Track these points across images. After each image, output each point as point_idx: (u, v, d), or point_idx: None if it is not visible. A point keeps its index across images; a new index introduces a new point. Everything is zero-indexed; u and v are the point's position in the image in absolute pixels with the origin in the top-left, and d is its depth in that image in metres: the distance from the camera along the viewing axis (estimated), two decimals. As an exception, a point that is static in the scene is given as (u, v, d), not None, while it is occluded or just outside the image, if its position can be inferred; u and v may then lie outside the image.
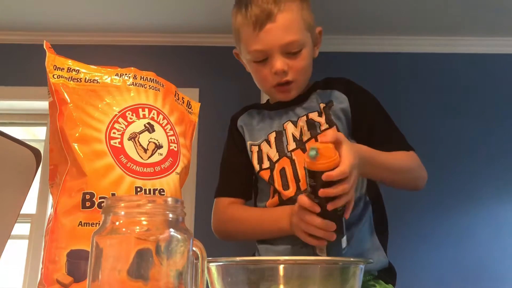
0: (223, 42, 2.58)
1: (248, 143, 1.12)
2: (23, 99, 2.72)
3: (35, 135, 3.01)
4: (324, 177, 0.77)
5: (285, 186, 1.04)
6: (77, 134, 0.65)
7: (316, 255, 0.87)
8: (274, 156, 1.07)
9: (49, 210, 0.66)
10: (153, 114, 0.72)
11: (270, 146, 1.09)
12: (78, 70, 0.70)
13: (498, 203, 2.57)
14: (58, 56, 0.70)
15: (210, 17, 2.55)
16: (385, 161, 0.97)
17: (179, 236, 0.46)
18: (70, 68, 0.70)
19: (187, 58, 2.77)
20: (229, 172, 1.17)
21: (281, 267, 0.57)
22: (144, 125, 0.70)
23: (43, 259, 0.62)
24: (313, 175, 0.79)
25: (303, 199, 0.83)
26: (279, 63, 1.02)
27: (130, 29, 2.73)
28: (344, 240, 0.86)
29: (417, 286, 2.34)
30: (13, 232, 0.57)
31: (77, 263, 0.60)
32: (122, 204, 0.46)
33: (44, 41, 0.72)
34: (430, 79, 2.74)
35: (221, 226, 1.11)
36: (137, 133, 0.69)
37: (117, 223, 0.46)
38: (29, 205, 2.56)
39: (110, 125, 0.68)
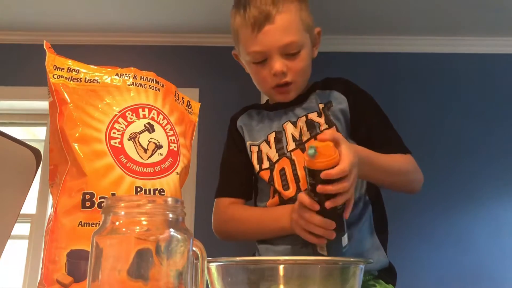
0: (223, 42, 2.58)
1: (248, 143, 1.13)
2: (23, 99, 2.72)
3: (35, 135, 3.01)
4: (323, 175, 0.77)
5: (285, 186, 1.04)
6: (77, 134, 0.65)
7: (317, 253, 0.87)
8: (274, 156, 1.07)
9: (49, 210, 0.66)
10: (153, 114, 0.72)
11: (269, 146, 1.09)
12: (78, 70, 0.70)
13: (498, 203, 2.57)
14: (58, 56, 0.70)
15: (210, 17, 2.55)
16: (383, 163, 0.97)
17: (179, 236, 0.46)
18: (70, 68, 0.70)
19: (187, 58, 2.77)
20: (229, 172, 1.17)
21: (281, 267, 0.57)
22: (144, 125, 0.70)
23: (43, 259, 0.62)
24: (313, 173, 0.79)
25: (303, 196, 0.83)
26: (278, 64, 1.02)
27: (130, 29, 2.73)
28: (344, 238, 0.86)
29: (417, 286, 2.34)
30: (13, 232, 0.57)
31: (77, 263, 0.60)
32: (122, 204, 0.46)
33: (44, 41, 0.72)
34: (430, 79, 2.74)
35: (221, 226, 1.11)
36: (137, 133, 0.69)
37: (117, 223, 0.46)
38: (29, 205, 2.56)
39: (110, 125, 0.68)
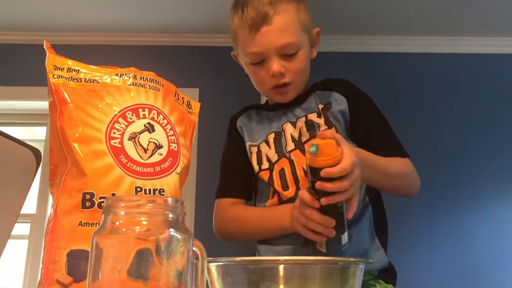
0: (223, 42, 2.58)
1: (248, 144, 1.13)
2: (23, 99, 2.72)
3: (35, 135, 3.01)
4: (323, 173, 0.76)
5: (285, 186, 1.04)
6: (77, 134, 0.65)
7: (316, 250, 0.87)
8: (273, 156, 1.07)
9: (49, 210, 0.66)
10: (153, 114, 0.72)
11: (269, 147, 1.09)
12: (78, 70, 0.70)
13: (498, 203, 2.57)
14: (58, 56, 0.70)
15: (210, 17, 2.55)
16: (384, 166, 0.97)
17: (179, 236, 0.46)
18: (70, 68, 0.70)
19: (187, 58, 2.77)
20: (229, 172, 1.17)
21: (281, 267, 0.57)
22: (144, 125, 0.70)
23: (43, 259, 0.62)
24: (314, 171, 0.78)
25: (304, 193, 0.83)
26: (275, 65, 1.02)
27: (130, 29, 2.73)
28: (344, 236, 0.85)
29: (417, 286, 2.34)
30: (13, 232, 0.57)
31: (77, 263, 0.60)
32: (122, 204, 0.46)
33: (44, 41, 0.72)
34: (430, 79, 2.74)
35: (223, 227, 1.11)
36: (137, 133, 0.69)
37: (117, 223, 0.46)
38: (29, 205, 2.56)
39: (110, 125, 0.68)
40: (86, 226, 0.62)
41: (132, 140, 0.68)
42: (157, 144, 0.70)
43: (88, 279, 0.45)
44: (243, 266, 0.60)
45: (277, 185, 1.04)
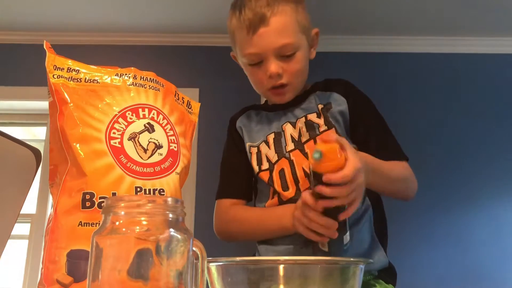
0: (223, 42, 2.57)
1: (247, 144, 1.13)
2: (23, 99, 2.72)
3: (35, 135, 3.01)
4: (324, 178, 0.77)
5: (285, 187, 1.04)
6: (77, 134, 0.65)
7: (317, 250, 0.87)
8: (273, 157, 1.07)
9: (49, 210, 0.66)
10: (153, 114, 0.72)
11: (268, 147, 1.09)
12: (78, 70, 0.70)
13: (498, 203, 2.57)
14: (58, 56, 0.70)
15: (210, 17, 2.55)
16: (386, 171, 0.97)
17: (179, 236, 0.46)
18: (70, 68, 0.70)
19: (187, 58, 2.77)
20: (229, 173, 1.17)
21: (281, 267, 0.57)
22: (144, 125, 0.70)
23: (43, 259, 0.62)
24: (316, 175, 0.78)
25: (306, 196, 0.83)
26: (273, 66, 1.02)
27: (130, 29, 2.73)
28: (346, 237, 0.86)
29: (417, 286, 2.34)
30: (13, 232, 0.57)
31: (77, 263, 0.60)
32: (122, 204, 0.46)
33: (44, 41, 0.72)
34: (430, 79, 2.74)
35: (223, 227, 1.11)
36: (137, 133, 0.69)
37: (117, 223, 0.46)
38: (29, 205, 2.56)
39: (110, 125, 0.68)
40: (86, 226, 0.62)
41: (132, 140, 0.68)
42: (157, 144, 0.70)
43: (88, 279, 0.45)
44: (243, 266, 0.60)
45: (277, 185, 1.04)
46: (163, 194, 0.67)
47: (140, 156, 0.68)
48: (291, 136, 1.08)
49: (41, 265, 0.63)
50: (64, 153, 0.65)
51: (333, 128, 1.06)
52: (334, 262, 0.61)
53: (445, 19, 2.60)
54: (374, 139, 1.07)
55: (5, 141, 0.55)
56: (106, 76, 0.71)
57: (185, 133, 0.77)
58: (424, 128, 2.64)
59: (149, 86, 0.74)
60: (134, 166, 0.67)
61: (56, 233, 0.62)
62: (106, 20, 2.65)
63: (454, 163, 2.60)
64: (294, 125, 1.09)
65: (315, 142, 1.05)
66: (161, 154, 0.70)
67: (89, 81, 0.70)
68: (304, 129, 1.07)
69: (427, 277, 2.43)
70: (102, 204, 0.49)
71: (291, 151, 1.06)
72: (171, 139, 0.72)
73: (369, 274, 1.02)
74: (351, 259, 0.63)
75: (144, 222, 0.46)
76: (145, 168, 0.67)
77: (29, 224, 2.58)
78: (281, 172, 1.05)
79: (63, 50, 0.78)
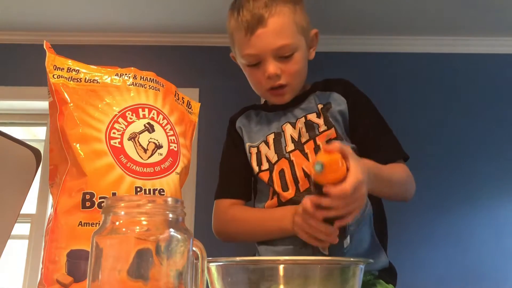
0: (223, 42, 2.57)
1: (247, 145, 1.13)
2: (23, 99, 2.72)
3: (35, 135, 3.01)
4: (324, 190, 0.76)
5: (285, 187, 1.04)
6: (77, 134, 0.65)
7: (317, 252, 0.87)
8: (273, 157, 1.07)
9: (49, 210, 0.66)
10: (153, 114, 0.72)
11: (268, 147, 1.09)
12: (78, 70, 0.70)
13: (498, 203, 2.57)
14: (58, 56, 0.70)
15: (210, 17, 2.55)
16: (387, 176, 0.97)
17: (179, 236, 0.46)
18: (70, 68, 0.70)
19: (187, 58, 2.77)
20: (229, 173, 1.17)
21: (281, 267, 0.57)
22: (144, 125, 0.70)
23: (43, 259, 0.62)
24: (317, 185, 0.78)
25: (307, 203, 0.82)
26: (271, 67, 1.02)
27: (130, 29, 2.73)
28: (347, 240, 0.86)
29: (418, 286, 2.34)
30: (13, 232, 0.57)
31: (77, 263, 0.60)
32: (122, 204, 0.46)
33: (44, 41, 0.72)
34: (430, 79, 2.74)
35: (222, 228, 1.11)
36: (137, 133, 0.69)
37: (117, 223, 0.46)
38: (29, 205, 2.56)
39: (110, 125, 0.68)
40: (86, 226, 0.62)
41: (132, 140, 0.68)
42: (157, 144, 0.70)
43: (88, 279, 0.45)
44: (243, 266, 0.60)
45: (277, 186, 1.04)
46: (163, 194, 0.67)
47: (140, 156, 0.68)
48: (291, 137, 1.08)
49: (41, 265, 0.63)
50: (64, 153, 0.65)
51: (333, 128, 1.06)
52: (334, 262, 0.61)
53: (445, 19, 2.60)
54: (374, 139, 1.07)
55: (5, 141, 0.55)
56: (106, 76, 0.71)
57: (185, 133, 0.77)
58: (424, 128, 2.64)
59: (149, 86, 0.74)
60: (134, 166, 0.67)
61: (56, 233, 0.62)
62: (106, 20, 2.65)
63: (454, 163, 2.60)
64: (294, 125, 1.09)
65: (314, 142, 1.05)
66: (161, 154, 0.70)
67: (89, 81, 0.70)
68: (304, 129, 1.07)
69: (428, 277, 2.43)
70: (102, 204, 0.49)
71: (291, 151, 1.06)
72: (171, 139, 0.72)
73: (369, 274, 1.02)
74: (351, 259, 0.63)
75: (144, 222, 0.46)
76: (145, 168, 0.67)
77: (29, 224, 2.58)
78: (281, 173, 1.05)
79: (63, 50, 0.78)
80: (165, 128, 0.73)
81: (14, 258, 2.58)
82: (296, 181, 1.03)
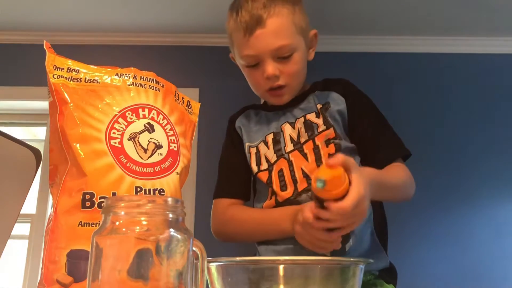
0: (223, 42, 2.56)
1: (246, 145, 1.13)
2: (23, 99, 2.72)
3: (35, 135, 3.01)
4: (325, 204, 0.76)
5: (283, 187, 1.04)
6: (77, 134, 0.65)
7: (319, 253, 0.88)
8: (272, 157, 1.07)
9: (49, 210, 0.66)
10: (153, 114, 0.72)
11: (267, 147, 1.09)
12: (78, 70, 0.70)
13: (497, 202, 2.57)
14: (58, 56, 0.70)
15: (210, 17, 2.54)
16: (390, 183, 0.96)
17: (179, 236, 0.46)
18: (70, 68, 0.70)
19: (187, 58, 2.77)
20: (228, 172, 1.17)
21: (281, 267, 0.57)
22: (144, 125, 0.70)
23: (43, 259, 0.62)
24: (318, 198, 0.78)
25: (308, 215, 0.82)
26: (270, 68, 1.02)
27: (130, 29, 2.73)
28: (349, 244, 0.87)
29: (418, 286, 2.34)
30: (13, 232, 0.57)
31: (77, 263, 0.60)
32: (122, 204, 0.46)
33: (44, 41, 0.72)
34: (430, 79, 2.74)
35: (221, 228, 1.11)
36: (137, 133, 0.69)
37: (117, 223, 0.46)
38: (29, 205, 2.56)
39: (110, 125, 0.68)
40: (86, 226, 0.62)
41: (132, 140, 0.68)
42: (157, 144, 0.70)
43: (88, 279, 0.45)
44: (243, 266, 0.60)
45: (276, 185, 1.04)
46: (163, 194, 0.67)
47: (140, 156, 0.68)
48: (290, 137, 1.08)
49: (41, 265, 0.63)
50: (64, 153, 0.65)
51: (332, 128, 1.06)
52: (334, 262, 0.61)
53: (445, 19, 2.59)
54: (373, 139, 1.07)
55: (5, 141, 0.55)
56: (106, 76, 0.71)
57: (185, 133, 0.77)
58: (424, 128, 2.64)
59: (149, 86, 0.74)
60: (134, 166, 0.67)
61: (56, 233, 0.62)
62: (106, 20, 2.65)
63: (454, 163, 2.60)
64: (293, 125, 1.09)
65: (313, 142, 1.05)
66: (161, 154, 0.70)
67: (89, 81, 0.70)
68: (303, 129, 1.07)
69: (428, 277, 2.43)
70: (102, 204, 0.49)
71: (290, 152, 1.06)
72: (171, 139, 0.72)
73: (369, 274, 1.02)
74: (351, 259, 0.63)
75: (144, 222, 0.46)
76: (145, 168, 0.67)
77: (29, 224, 2.58)
78: (280, 173, 1.05)
79: (63, 50, 0.78)
80: (165, 128, 0.73)
81: (14, 258, 2.58)
82: (294, 181, 1.03)
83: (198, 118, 0.82)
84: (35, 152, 0.57)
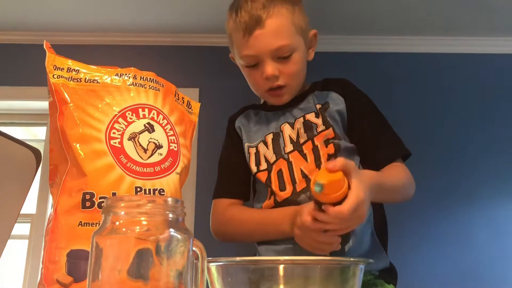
0: (223, 42, 2.56)
1: (246, 145, 1.13)
2: (23, 99, 2.71)
3: (35, 135, 3.01)
4: (323, 207, 0.77)
5: (282, 187, 1.04)
6: (77, 134, 0.65)
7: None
8: (271, 157, 1.07)
9: (49, 210, 0.66)
10: (153, 114, 0.72)
11: (267, 147, 1.09)
12: (78, 70, 0.70)
13: (497, 202, 2.57)
14: (58, 56, 0.70)
15: (210, 17, 2.54)
16: (390, 185, 0.96)
17: (179, 236, 0.46)
18: (70, 68, 0.70)
19: (187, 58, 2.77)
20: (228, 172, 1.17)
21: (281, 267, 0.57)
22: (144, 125, 0.70)
23: (43, 259, 0.62)
24: (317, 201, 0.79)
25: (306, 218, 0.82)
26: (269, 68, 1.03)
27: (130, 29, 2.73)
28: (349, 245, 0.87)
29: (418, 286, 2.34)
30: (13, 232, 0.57)
31: (77, 263, 0.60)
32: (122, 204, 0.46)
33: (44, 41, 0.72)
34: (430, 79, 2.74)
35: (220, 228, 1.11)
36: (137, 133, 0.69)
37: (117, 223, 0.46)
38: (29, 205, 2.56)
39: (110, 125, 0.68)
40: (86, 226, 0.62)
41: (132, 140, 0.68)
42: (157, 144, 0.70)
43: (88, 279, 0.45)
44: (243, 266, 0.60)
45: (275, 185, 1.05)
46: (163, 194, 0.67)
47: (140, 156, 0.68)
48: (290, 137, 1.08)
49: (41, 265, 0.63)
50: (64, 153, 0.65)
51: (331, 128, 1.06)
52: (334, 262, 0.61)
53: (445, 19, 2.59)
54: (372, 138, 1.07)
55: (5, 141, 0.55)
56: (106, 76, 0.71)
57: (185, 133, 0.77)
58: (424, 128, 2.64)
59: (149, 86, 0.74)
60: (134, 166, 0.67)
61: (56, 233, 0.62)
62: (106, 20, 2.65)
63: (454, 163, 2.60)
64: (292, 125, 1.09)
65: (313, 143, 1.05)
66: (161, 154, 0.70)
67: (89, 81, 0.70)
68: (302, 129, 1.07)
69: (428, 277, 2.43)
70: (102, 204, 0.49)
71: (290, 152, 1.06)
72: (171, 139, 0.72)
73: (370, 274, 1.02)
74: (351, 259, 0.63)
75: (144, 222, 0.46)
76: (145, 168, 0.67)
77: (29, 224, 2.58)
78: (279, 173, 1.05)
79: (63, 50, 0.78)
80: (165, 128, 0.73)
81: (14, 258, 2.58)
82: (293, 181, 1.03)
83: (198, 118, 0.82)
84: (35, 152, 0.57)
